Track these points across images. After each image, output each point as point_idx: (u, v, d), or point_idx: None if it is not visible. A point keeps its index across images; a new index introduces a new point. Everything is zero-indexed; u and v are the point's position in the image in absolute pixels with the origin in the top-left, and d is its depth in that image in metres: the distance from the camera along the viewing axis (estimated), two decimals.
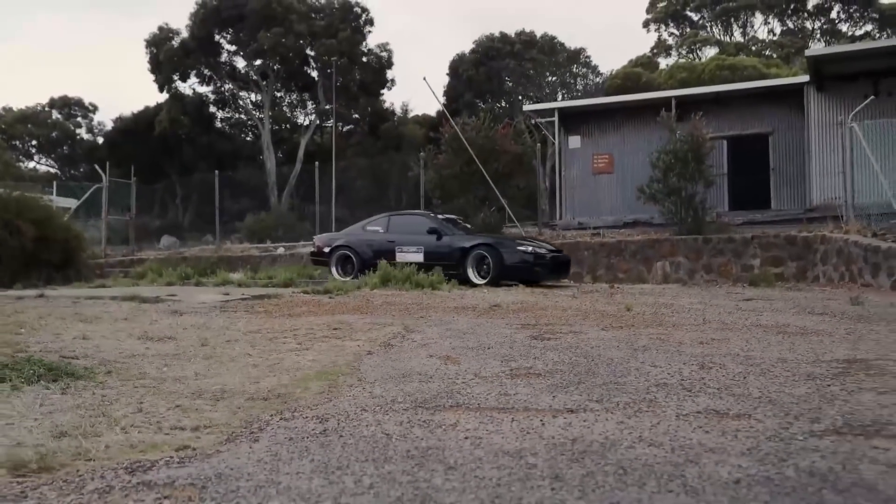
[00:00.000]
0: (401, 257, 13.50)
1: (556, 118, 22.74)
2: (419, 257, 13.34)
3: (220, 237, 21.95)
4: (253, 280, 12.80)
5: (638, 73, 38.54)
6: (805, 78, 20.09)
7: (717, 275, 14.57)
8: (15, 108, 44.47)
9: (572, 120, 23.00)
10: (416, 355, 4.84)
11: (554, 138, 22.97)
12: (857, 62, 19.47)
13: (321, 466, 2.44)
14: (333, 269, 14.35)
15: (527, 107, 25.03)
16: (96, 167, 20.64)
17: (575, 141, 22.87)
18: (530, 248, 12.51)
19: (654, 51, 57.63)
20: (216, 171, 20.53)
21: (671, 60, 56.40)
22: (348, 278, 13.55)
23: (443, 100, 34.61)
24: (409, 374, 4.16)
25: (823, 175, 19.19)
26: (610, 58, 72.91)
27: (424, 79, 29.02)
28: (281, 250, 17.63)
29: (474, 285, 12.07)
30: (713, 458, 2.44)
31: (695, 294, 10.38)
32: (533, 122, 25.68)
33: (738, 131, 21.08)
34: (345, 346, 5.30)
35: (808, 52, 20.63)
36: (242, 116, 38.23)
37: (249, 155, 37.15)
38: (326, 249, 14.59)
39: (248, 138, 38.55)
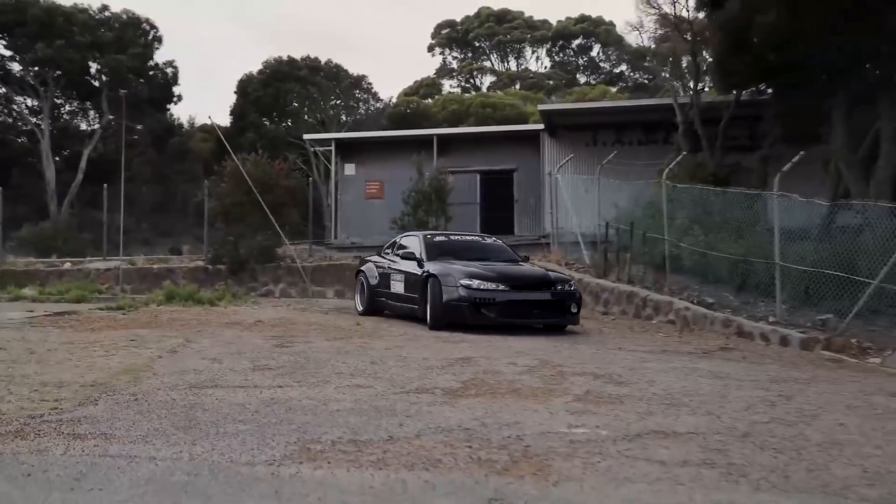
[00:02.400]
0: (394, 287, 11.46)
1: (333, 148, 25.52)
2: (401, 288, 11.18)
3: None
4: (46, 296, 14.22)
5: (417, 102, 42.22)
6: (541, 126, 24.18)
7: None
8: None
9: (348, 149, 25.82)
10: (193, 358, 7.21)
11: (332, 165, 25.70)
12: (579, 117, 23.89)
13: (138, 412, 4.82)
14: (357, 298, 12.61)
15: (307, 136, 27.52)
16: None
17: (350, 168, 25.71)
18: (475, 283, 9.73)
19: (438, 73, 62.21)
20: None
21: (454, 82, 61.22)
22: (361, 309, 12.20)
23: (227, 121, 36.28)
24: (187, 370, 6.53)
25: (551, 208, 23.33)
26: (398, 78, 77.00)
27: (210, 118, 30.69)
28: (67, 265, 18.78)
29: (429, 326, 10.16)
30: (335, 403, 5.11)
31: None
32: (313, 150, 28.21)
33: (489, 166, 24.74)
34: (141, 352, 7.54)
35: (540, 107, 24.82)
36: (17, 121, 37.41)
37: (26, 161, 36.47)
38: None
39: (25, 143, 37.72)
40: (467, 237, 12.60)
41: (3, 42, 34.39)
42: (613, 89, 54.68)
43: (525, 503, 3.08)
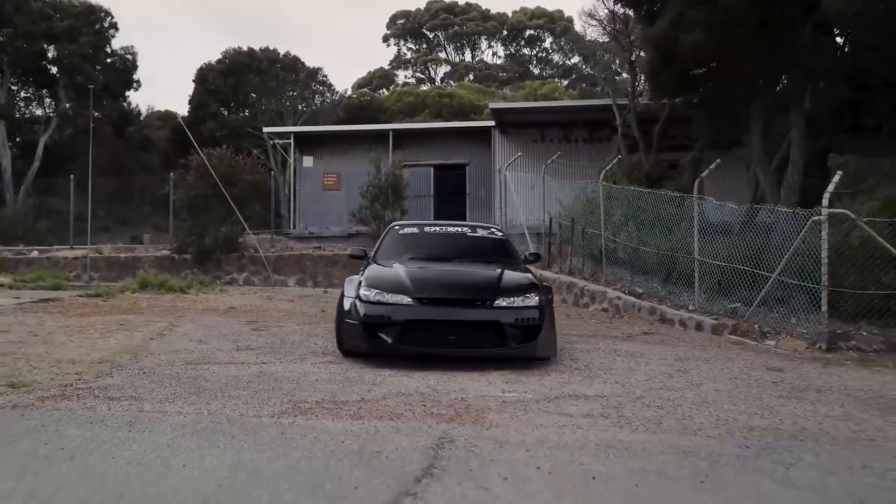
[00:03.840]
0: None
1: (292, 141, 26.42)
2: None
3: None
4: (23, 283, 14.95)
5: (370, 95, 43.14)
6: (492, 123, 25.34)
7: None
8: None
9: (306, 142, 26.72)
10: (181, 340, 8.24)
11: (290, 157, 26.60)
12: (528, 115, 25.15)
13: (152, 382, 5.87)
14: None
15: (267, 129, 28.34)
16: None
17: (308, 161, 26.62)
18: (372, 293, 7.14)
19: (393, 64, 63.02)
20: None
21: (409, 73, 62.11)
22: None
23: (185, 109, 36.76)
24: (179, 350, 7.56)
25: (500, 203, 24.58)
26: (354, 68, 77.44)
27: (179, 118, 31.22)
28: (35, 253, 19.43)
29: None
30: (313, 375, 6.22)
31: None
32: (272, 143, 29.04)
33: (443, 160, 25.86)
34: (133, 335, 8.53)
35: (491, 105, 26.01)
36: None
37: None
38: None
39: None
40: (450, 229, 9.47)
41: None
42: (565, 82, 56.00)
43: (465, 440, 4.24)
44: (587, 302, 13.67)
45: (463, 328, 7.00)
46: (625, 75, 22.14)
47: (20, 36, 33.35)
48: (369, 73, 57.87)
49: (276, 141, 28.57)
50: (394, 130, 26.30)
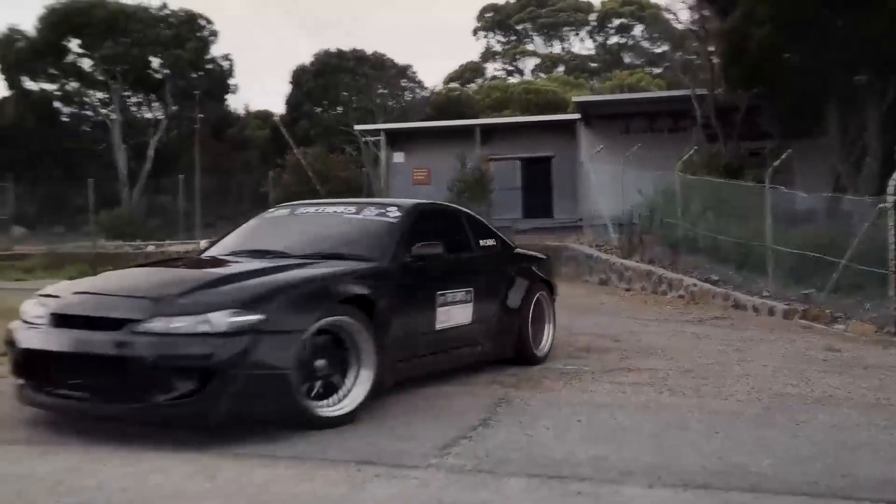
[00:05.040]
0: None
1: (382, 137, 27.50)
2: None
3: (72, 230, 25.01)
4: None
5: (459, 90, 44.09)
6: (577, 115, 25.77)
7: None
8: None
9: (397, 138, 27.77)
10: None
11: (381, 153, 27.73)
12: (612, 107, 25.46)
13: None
14: None
15: (358, 126, 29.55)
16: None
17: (399, 156, 27.64)
18: (30, 307, 4.69)
19: (482, 57, 63.81)
20: (90, 180, 23.49)
21: (498, 65, 62.78)
22: None
23: (282, 109, 38.54)
24: None
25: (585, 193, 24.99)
26: (444, 61, 78.60)
27: (277, 120, 32.97)
28: (151, 248, 21.15)
29: None
30: None
31: None
32: (364, 140, 30.27)
33: (529, 154, 26.45)
34: None
35: (575, 99, 26.47)
36: (90, 114, 40.17)
37: (98, 150, 39.20)
38: None
39: (96, 133, 40.45)
40: (328, 209, 6.65)
41: (76, 41, 37.02)
42: (656, 70, 55.27)
43: (520, 400, 4.95)
44: (665, 289, 14.06)
45: (86, 366, 4.22)
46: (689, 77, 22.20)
47: (133, 44, 35.85)
48: (460, 66, 58.84)
49: (368, 138, 29.72)
50: (481, 125, 27.07)
